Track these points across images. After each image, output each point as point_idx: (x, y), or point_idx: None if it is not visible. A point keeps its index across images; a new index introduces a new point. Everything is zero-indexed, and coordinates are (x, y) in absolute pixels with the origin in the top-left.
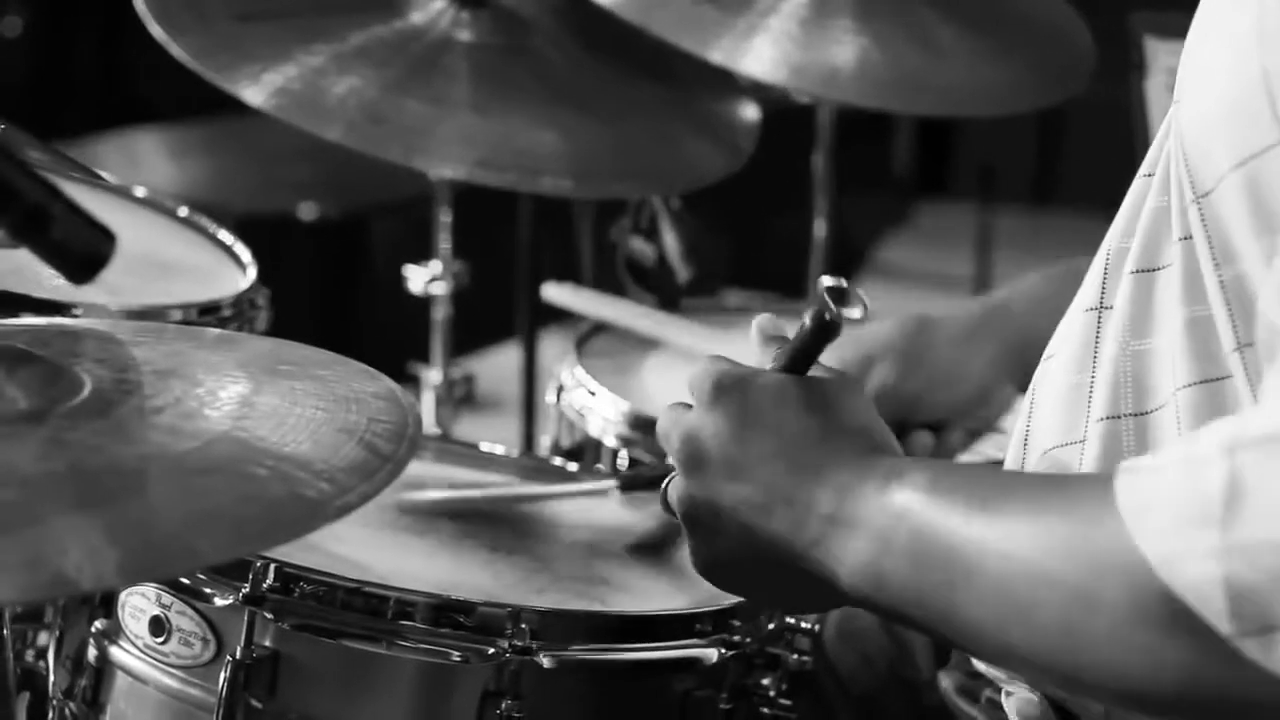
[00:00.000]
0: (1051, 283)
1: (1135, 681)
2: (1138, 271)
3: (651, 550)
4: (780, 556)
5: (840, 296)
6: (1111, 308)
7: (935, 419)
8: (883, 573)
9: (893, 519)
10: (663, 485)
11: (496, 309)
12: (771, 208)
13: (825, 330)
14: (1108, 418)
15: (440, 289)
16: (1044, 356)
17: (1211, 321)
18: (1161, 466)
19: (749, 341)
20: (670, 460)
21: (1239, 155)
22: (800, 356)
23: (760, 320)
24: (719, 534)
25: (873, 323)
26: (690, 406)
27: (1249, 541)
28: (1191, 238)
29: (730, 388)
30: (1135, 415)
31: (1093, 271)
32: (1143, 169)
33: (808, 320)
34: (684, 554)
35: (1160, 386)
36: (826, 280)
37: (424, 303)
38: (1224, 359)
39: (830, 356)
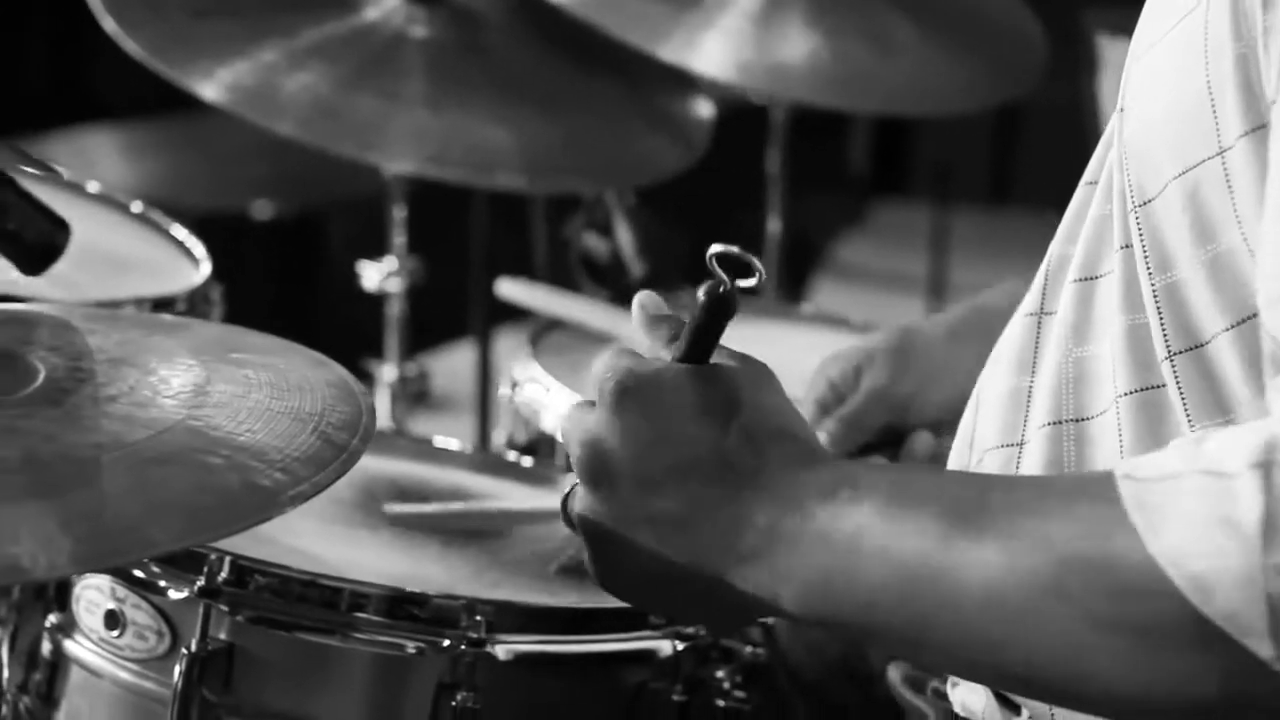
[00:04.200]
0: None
1: (1157, 700)
2: (1080, 280)
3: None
4: (699, 573)
5: (732, 265)
6: (1053, 313)
7: (931, 420)
8: (837, 594)
9: (847, 537)
10: (563, 498)
11: (452, 305)
12: (728, 205)
13: (721, 305)
14: (1050, 423)
15: (395, 285)
16: (989, 360)
17: (1149, 329)
18: (1176, 474)
19: (632, 326)
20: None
21: (1181, 164)
22: (700, 340)
23: (642, 298)
24: (626, 551)
25: (855, 340)
26: (593, 405)
27: None
28: (1131, 246)
29: (636, 389)
30: (1076, 421)
31: (1036, 277)
32: (1085, 176)
33: (701, 296)
34: None
35: (1101, 393)
36: (715, 248)
37: (379, 299)
38: (1158, 367)
39: (818, 376)
